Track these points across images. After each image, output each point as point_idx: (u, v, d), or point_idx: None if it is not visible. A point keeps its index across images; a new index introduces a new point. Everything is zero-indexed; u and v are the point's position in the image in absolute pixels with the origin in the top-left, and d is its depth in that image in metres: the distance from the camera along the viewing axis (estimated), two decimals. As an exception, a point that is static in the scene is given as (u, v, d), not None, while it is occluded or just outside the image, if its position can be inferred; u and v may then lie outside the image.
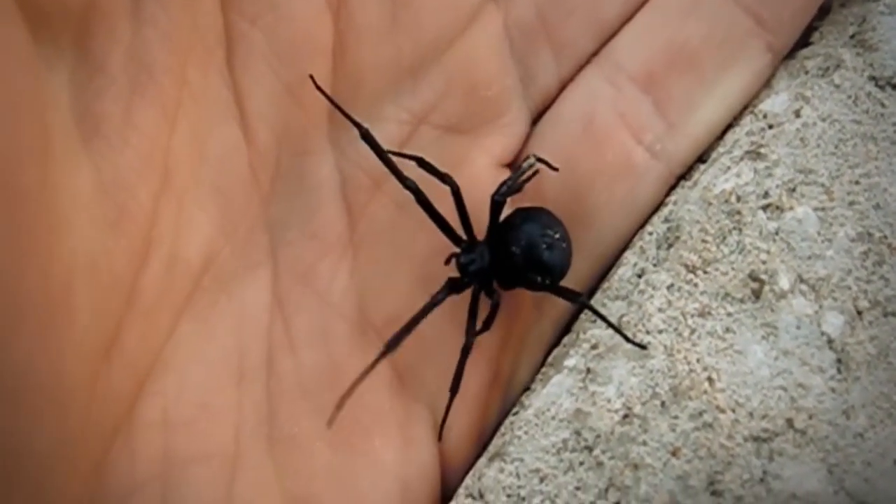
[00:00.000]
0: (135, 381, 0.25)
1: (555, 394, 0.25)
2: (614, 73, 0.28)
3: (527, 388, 0.27)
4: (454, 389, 0.26)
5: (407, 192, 0.26)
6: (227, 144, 0.27)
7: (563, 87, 0.29)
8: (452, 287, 0.26)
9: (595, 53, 0.29)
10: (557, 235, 0.26)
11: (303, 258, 0.27)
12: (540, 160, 0.28)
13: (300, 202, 0.28)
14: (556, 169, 0.27)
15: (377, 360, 0.23)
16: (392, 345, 0.23)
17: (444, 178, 0.26)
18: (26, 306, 0.21)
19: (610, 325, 0.25)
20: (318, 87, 0.27)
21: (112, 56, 0.24)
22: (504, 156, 0.28)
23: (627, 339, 0.25)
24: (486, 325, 0.26)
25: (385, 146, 0.28)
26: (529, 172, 0.27)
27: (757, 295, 0.25)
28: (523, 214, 0.27)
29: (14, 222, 0.20)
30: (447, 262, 0.26)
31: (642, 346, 0.25)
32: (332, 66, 0.27)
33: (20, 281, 0.20)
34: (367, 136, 0.26)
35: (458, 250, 0.27)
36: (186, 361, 0.26)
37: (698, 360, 0.24)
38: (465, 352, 0.25)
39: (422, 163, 0.26)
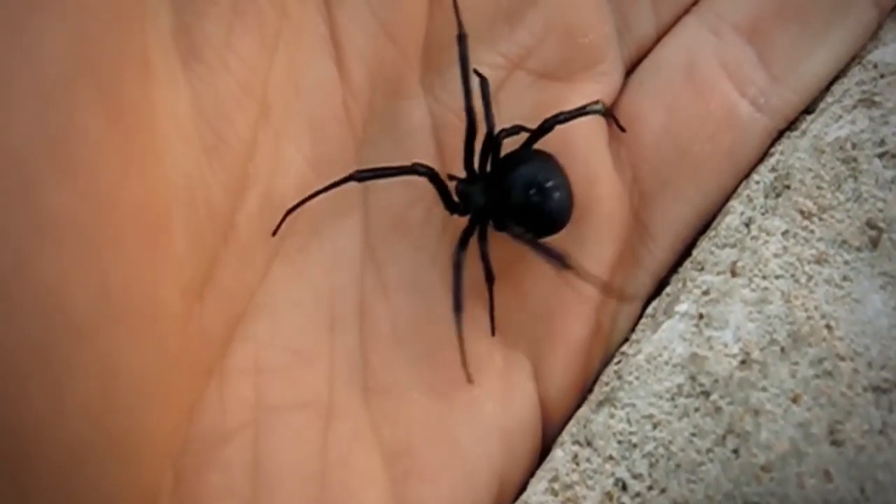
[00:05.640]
0: (228, 323, 0.24)
1: (667, 339, 0.24)
2: (716, 22, 0.27)
3: (625, 340, 0.26)
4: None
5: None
6: (322, 81, 0.26)
7: (659, 38, 0.28)
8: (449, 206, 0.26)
9: (695, 2, 0.28)
10: (551, 184, 0.25)
11: (395, 204, 0.27)
12: (609, 114, 0.27)
13: (392, 146, 0.27)
14: (623, 130, 0.27)
15: None
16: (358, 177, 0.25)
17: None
18: (127, 223, 0.20)
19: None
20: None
21: None
22: None
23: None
24: (488, 279, 0.26)
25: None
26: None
27: (875, 243, 0.24)
28: (524, 156, 0.26)
29: (118, 134, 0.20)
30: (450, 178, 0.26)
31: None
32: (428, 5, 0.27)
33: (122, 196, 0.20)
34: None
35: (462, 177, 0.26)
36: (279, 306, 0.25)
37: (816, 308, 0.23)
38: (457, 267, 0.25)
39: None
